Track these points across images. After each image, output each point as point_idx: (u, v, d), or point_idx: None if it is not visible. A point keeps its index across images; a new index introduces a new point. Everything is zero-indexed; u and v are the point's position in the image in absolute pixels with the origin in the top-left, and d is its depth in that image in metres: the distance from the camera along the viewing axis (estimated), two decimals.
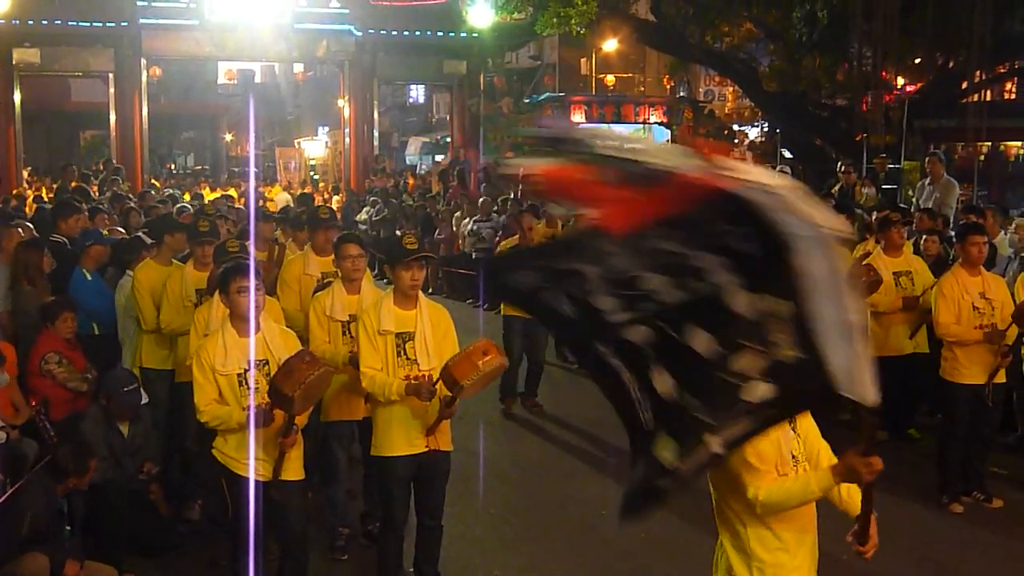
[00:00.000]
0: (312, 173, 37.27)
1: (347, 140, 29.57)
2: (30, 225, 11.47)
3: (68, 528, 6.94)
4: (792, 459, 4.21)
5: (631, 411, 3.71)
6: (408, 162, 42.00)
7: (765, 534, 4.25)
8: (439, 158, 36.15)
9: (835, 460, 4.28)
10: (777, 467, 4.12)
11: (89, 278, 9.64)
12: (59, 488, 6.85)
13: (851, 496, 4.20)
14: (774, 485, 4.07)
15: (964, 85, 20.52)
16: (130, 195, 18.02)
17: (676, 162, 3.41)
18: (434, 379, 6.19)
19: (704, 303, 3.40)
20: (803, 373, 3.44)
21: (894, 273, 9.78)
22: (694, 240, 3.39)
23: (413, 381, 6.24)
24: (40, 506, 6.63)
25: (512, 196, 20.24)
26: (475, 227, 18.77)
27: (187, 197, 20.98)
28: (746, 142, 31.85)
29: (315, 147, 42.40)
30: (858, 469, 3.87)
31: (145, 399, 8.11)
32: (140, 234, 10.49)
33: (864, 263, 9.73)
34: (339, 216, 17.36)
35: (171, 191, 22.83)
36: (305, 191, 25.52)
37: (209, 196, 23.40)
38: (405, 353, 6.34)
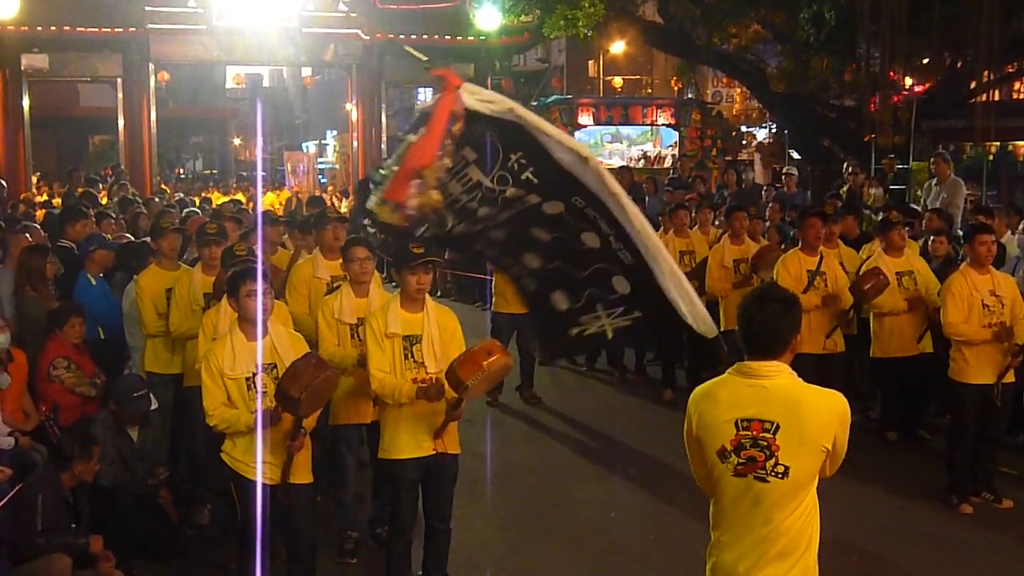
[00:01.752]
0: (320, 176, 37.31)
1: (355, 143, 29.58)
2: (38, 227, 11.50)
3: (74, 526, 6.93)
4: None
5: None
6: None
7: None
8: None
9: None
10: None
11: (94, 283, 9.67)
12: (66, 477, 6.86)
13: None
14: None
15: (972, 85, 20.46)
16: (138, 199, 18.07)
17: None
18: (442, 381, 6.19)
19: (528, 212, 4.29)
20: (645, 282, 4.21)
21: (896, 274, 9.76)
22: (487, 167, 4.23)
23: (421, 384, 6.25)
24: (49, 498, 6.66)
25: None
26: None
27: (196, 201, 21.02)
28: (754, 143, 31.84)
29: (323, 151, 42.48)
30: None
31: (154, 404, 8.13)
32: (147, 239, 10.50)
33: (872, 266, 9.73)
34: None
35: (181, 195, 22.90)
36: (316, 194, 25.49)
37: (218, 200, 23.45)
38: (412, 356, 6.35)
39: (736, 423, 4.12)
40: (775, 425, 4.06)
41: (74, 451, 6.93)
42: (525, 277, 4.33)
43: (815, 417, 4.07)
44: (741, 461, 4.12)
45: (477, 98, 4.16)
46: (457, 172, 4.14)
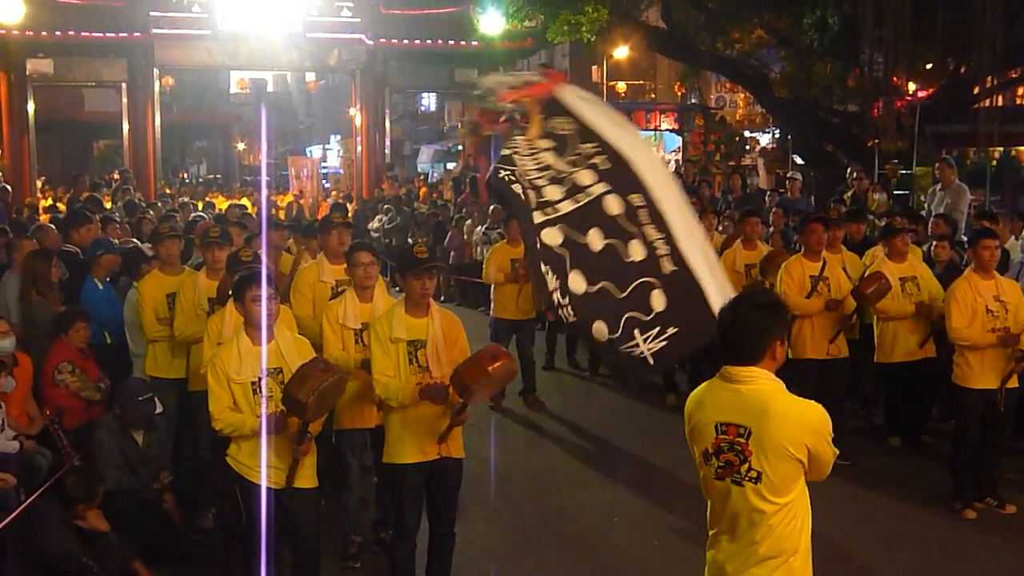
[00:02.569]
0: (323, 181, 37.33)
1: (359, 148, 29.62)
2: (53, 227, 11.52)
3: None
4: None
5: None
6: (420, 170, 42.07)
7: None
8: (451, 166, 36.19)
9: None
10: None
11: (100, 287, 9.69)
12: (69, 513, 6.87)
13: None
14: None
15: (976, 90, 20.43)
16: (143, 202, 18.13)
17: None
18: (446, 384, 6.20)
19: (589, 207, 4.41)
20: (685, 290, 4.35)
21: (900, 279, 9.75)
22: (566, 154, 4.45)
23: (425, 386, 6.25)
24: (60, 541, 6.66)
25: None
26: (486, 234, 18.77)
27: (200, 206, 21.06)
28: (757, 148, 31.81)
29: (327, 156, 42.52)
30: None
31: (159, 409, 8.15)
32: (139, 245, 10.52)
33: (875, 270, 9.74)
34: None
35: (185, 200, 22.93)
36: (339, 200, 25.51)
37: (221, 205, 23.49)
38: (417, 361, 6.35)
39: (716, 427, 4.23)
40: (748, 430, 4.15)
41: (80, 493, 6.92)
42: (565, 306, 4.37)
43: (781, 425, 4.13)
44: (720, 465, 4.23)
45: (577, 96, 4.51)
46: (533, 152, 4.33)
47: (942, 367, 9.28)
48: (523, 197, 4.48)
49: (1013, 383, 8.49)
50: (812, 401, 4.24)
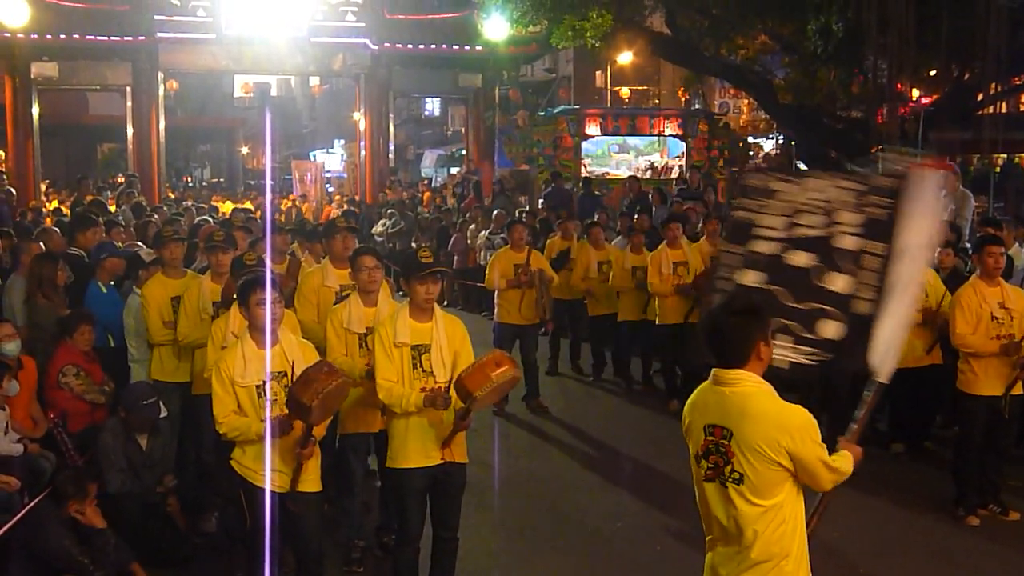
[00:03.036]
0: (327, 186, 37.39)
1: (363, 153, 29.64)
2: (57, 231, 11.54)
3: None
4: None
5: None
6: (424, 174, 42.07)
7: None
8: (454, 170, 36.22)
9: None
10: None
11: (104, 291, 9.71)
12: (63, 512, 6.85)
13: None
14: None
15: (980, 97, 20.45)
16: (148, 206, 18.16)
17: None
18: (449, 390, 6.21)
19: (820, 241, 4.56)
20: (863, 332, 4.40)
21: None
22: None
23: (429, 393, 6.26)
24: (56, 538, 6.64)
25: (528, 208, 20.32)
26: (489, 239, 18.78)
27: (207, 209, 21.10)
28: (761, 154, 31.82)
29: (331, 160, 42.54)
30: (856, 458, 4.43)
31: (164, 412, 8.15)
32: (141, 250, 10.52)
33: None
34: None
35: (189, 204, 22.95)
36: (347, 207, 25.54)
37: (226, 209, 23.51)
38: (421, 365, 6.36)
39: (704, 428, 4.33)
40: (730, 432, 4.23)
41: (69, 490, 6.90)
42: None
43: (756, 427, 4.18)
44: (709, 466, 4.32)
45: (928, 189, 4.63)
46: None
47: (947, 373, 9.27)
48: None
49: (1018, 390, 8.47)
50: (792, 405, 4.28)
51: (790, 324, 4.39)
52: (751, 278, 4.49)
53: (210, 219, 14.67)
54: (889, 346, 4.35)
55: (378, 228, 23.55)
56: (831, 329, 4.36)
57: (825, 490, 4.39)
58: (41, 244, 10.44)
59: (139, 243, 11.83)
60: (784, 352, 4.30)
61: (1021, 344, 8.32)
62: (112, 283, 9.90)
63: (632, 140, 27.14)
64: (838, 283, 4.40)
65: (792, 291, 4.38)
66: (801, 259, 4.47)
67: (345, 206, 27.19)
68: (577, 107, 30.44)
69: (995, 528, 8.47)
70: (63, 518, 6.70)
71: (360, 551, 7.72)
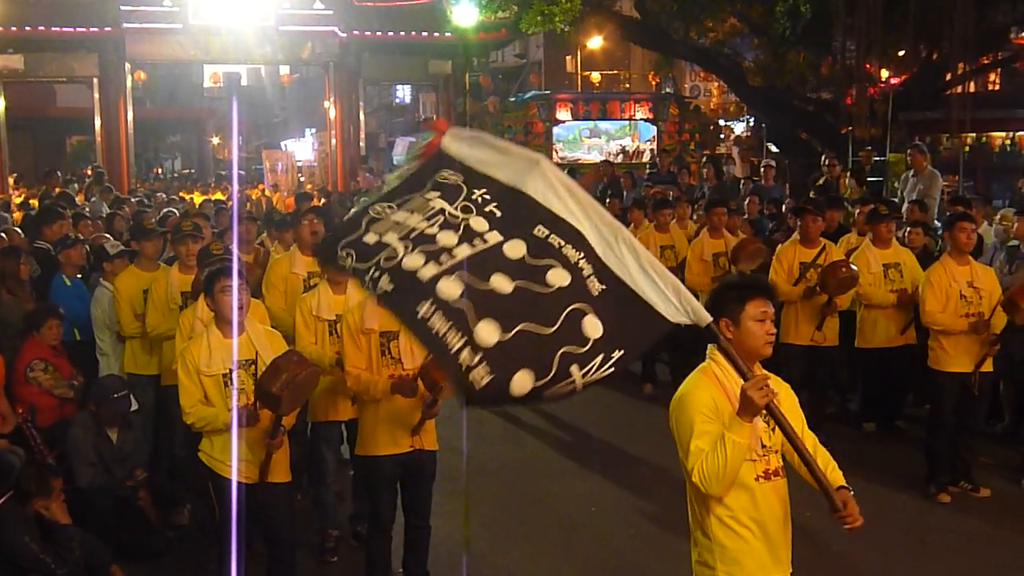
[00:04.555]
0: (299, 175, 37.23)
1: (333, 141, 29.53)
2: (18, 231, 11.44)
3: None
4: (762, 447, 4.24)
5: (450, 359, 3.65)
6: (396, 162, 41.93)
7: (727, 519, 4.28)
8: None
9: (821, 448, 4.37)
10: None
11: (69, 284, 9.62)
12: (26, 510, 6.75)
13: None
14: (703, 457, 4.12)
15: (948, 77, 20.54)
16: (119, 196, 18.03)
17: None
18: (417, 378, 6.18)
19: (488, 254, 3.73)
20: (621, 306, 3.75)
21: (884, 265, 9.81)
22: (457, 201, 3.85)
23: (396, 380, 6.24)
24: (21, 536, 6.56)
25: None
26: None
27: (185, 199, 20.99)
28: (732, 137, 31.89)
29: (302, 149, 42.39)
30: (749, 395, 3.88)
31: (135, 406, 8.10)
32: (108, 242, 10.44)
33: (851, 258, 9.77)
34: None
35: (160, 194, 22.80)
36: (304, 191, 25.43)
37: (197, 199, 23.37)
38: (390, 352, 6.33)
39: None
40: None
41: (32, 488, 6.81)
42: (476, 365, 3.52)
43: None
44: None
45: (460, 138, 4.05)
46: (425, 203, 3.85)
47: (919, 353, 9.33)
48: (398, 266, 3.68)
49: (987, 367, 8.54)
50: (688, 381, 4.38)
51: (567, 351, 3.79)
52: (492, 334, 3.61)
53: (175, 211, 14.55)
54: (668, 292, 3.77)
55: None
56: (593, 326, 3.68)
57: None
58: (3, 235, 10.33)
59: (106, 235, 11.72)
60: (576, 383, 3.60)
61: (990, 322, 8.38)
62: (79, 276, 9.81)
63: (603, 125, 27.17)
64: (561, 278, 3.72)
65: (538, 318, 3.64)
66: (503, 284, 3.66)
67: (316, 194, 27.09)
68: (548, 92, 30.43)
69: (966, 505, 8.53)
70: (26, 515, 6.62)
71: (334, 541, 7.70)
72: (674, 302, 3.75)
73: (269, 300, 8.08)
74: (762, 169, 18.52)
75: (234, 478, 5.96)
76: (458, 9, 24.40)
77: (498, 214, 3.77)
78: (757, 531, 4.27)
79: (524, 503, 8.85)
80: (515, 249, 3.69)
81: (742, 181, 19.49)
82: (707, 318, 3.81)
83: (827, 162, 16.66)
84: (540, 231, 3.75)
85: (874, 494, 8.79)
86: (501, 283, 3.58)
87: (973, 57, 19.76)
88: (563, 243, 3.74)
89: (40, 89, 35.93)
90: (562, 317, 3.59)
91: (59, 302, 9.16)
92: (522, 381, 3.54)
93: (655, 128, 26.79)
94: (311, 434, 7.70)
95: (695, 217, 13.70)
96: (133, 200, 18.27)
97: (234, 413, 5.88)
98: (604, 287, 3.71)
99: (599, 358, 3.59)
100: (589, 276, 3.71)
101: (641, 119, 27.10)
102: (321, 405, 7.37)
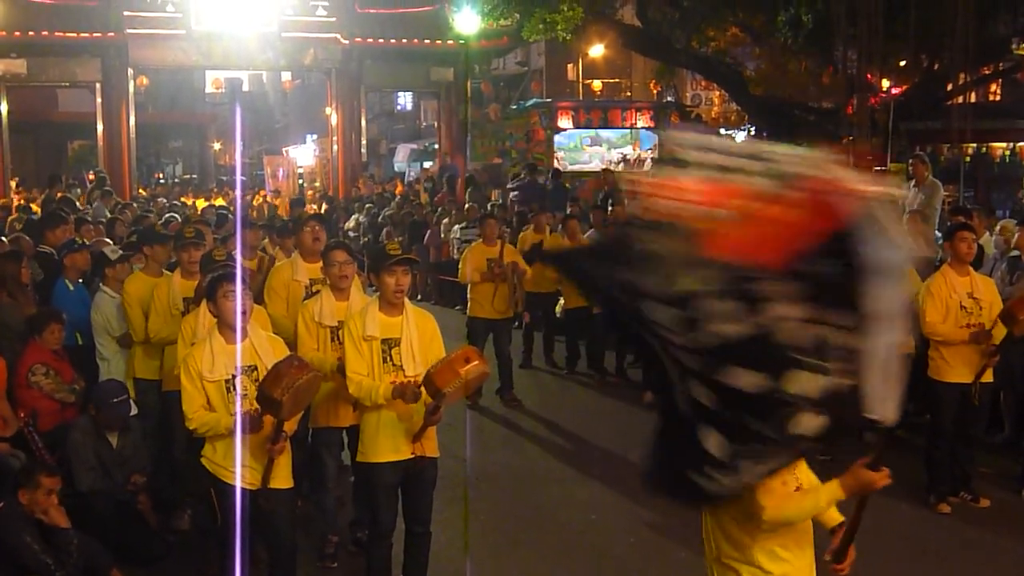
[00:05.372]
0: (300, 181, 37.28)
1: (335, 148, 29.57)
2: (28, 239, 11.44)
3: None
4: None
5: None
6: (397, 169, 41.97)
7: (771, 546, 4.27)
8: (427, 165, 36.18)
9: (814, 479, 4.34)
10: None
11: (72, 288, 9.63)
12: (27, 509, 6.75)
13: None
14: (785, 502, 4.06)
15: (949, 87, 20.59)
16: (119, 201, 18.04)
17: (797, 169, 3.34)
18: (419, 384, 6.19)
19: (750, 341, 3.33)
20: (849, 401, 3.44)
21: None
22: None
23: (398, 386, 6.24)
24: (22, 536, 6.57)
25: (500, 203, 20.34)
26: (462, 233, 18.73)
27: (188, 204, 21.02)
28: None
29: (303, 155, 42.39)
30: (868, 480, 3.89)
31: (134, 411, 8.10)
32: (109, 248, 10.45)
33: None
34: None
35: (162, 199, 22.83)
36: (297, 197, 25.49)
37: (200, 205, 23.40)
38: (391, 359, 6.34)
39: None
40: None
41: (20, 479, 6.79)
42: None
43: None
44: None
45: None
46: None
47: (918, 362, 9.32)
48: None
49: (987, 377, 8.54)
50: None
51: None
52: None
53: (177, 216, 14.57)
54: (884, 393, 3.43)
55: (350, 223, 23.45)
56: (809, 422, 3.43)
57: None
58: (3, 239, 10.33)
59: (107, 240, 11.73)
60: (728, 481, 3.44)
61: (991, 333, 8.38)
62: (80, 281, 9.83)
63: (604, 133, 27.20)
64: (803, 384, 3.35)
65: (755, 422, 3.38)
66: (745, 379, 3.32)
67: (317, 201, 27.12)
68: (549, 100, 30.47)
69: (966, 515, 8.52)
70: (27, 516, 6.63)
71: (334, 547, 7.71)
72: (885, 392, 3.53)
73: (271, 307, 8.09)
74: None
75: (238, 484, 5.97)
76: (460, 17, 24.44)
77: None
78: (799, 552, 4.41)
79: (525, 510, 8.85)
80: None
81: None
82: (894, 419, 3.58)
83: None
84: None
85: (873, 503, 8.75)
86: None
87: (974, 67, 19.80)
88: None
89: (42, 93, 35.96)
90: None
91: (62, 306, 9.17)
92: (712, 440, 3.45)
93: (656, 136, 26.81)
94: (312, 440, 7.70)
95: None
96: (135, 205, 18.32)
97: (238, 419, 5.89)
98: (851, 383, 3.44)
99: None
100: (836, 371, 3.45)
101: (642, 127, 27.14)
102: (322, 411, 7.38)
